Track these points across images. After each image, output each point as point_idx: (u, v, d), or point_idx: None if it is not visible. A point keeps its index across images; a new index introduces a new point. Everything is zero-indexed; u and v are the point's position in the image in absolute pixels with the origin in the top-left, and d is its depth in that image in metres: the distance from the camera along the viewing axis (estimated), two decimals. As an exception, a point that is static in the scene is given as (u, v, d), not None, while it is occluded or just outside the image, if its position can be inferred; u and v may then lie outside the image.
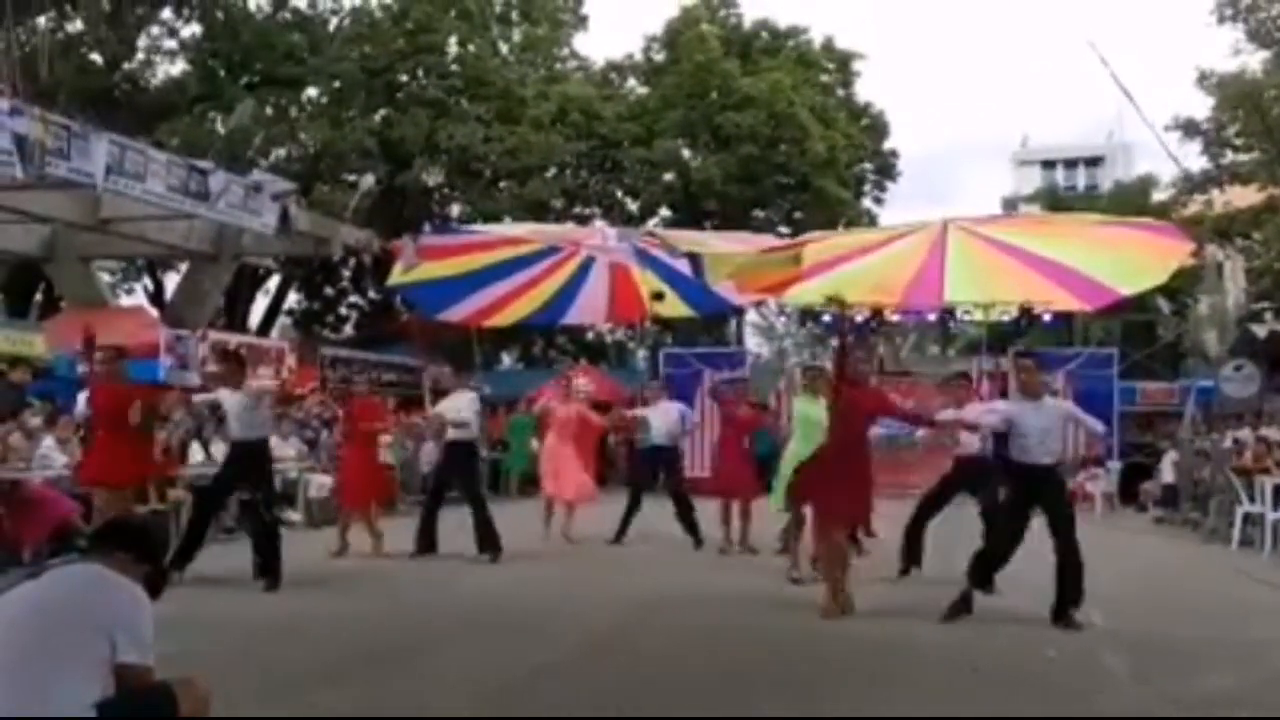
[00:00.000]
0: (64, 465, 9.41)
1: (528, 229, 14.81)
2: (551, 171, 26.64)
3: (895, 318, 12.47)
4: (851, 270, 9.28)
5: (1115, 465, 17.55)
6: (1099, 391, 16.87)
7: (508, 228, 18.15)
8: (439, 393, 11.36)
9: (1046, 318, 11.64)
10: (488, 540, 10.02)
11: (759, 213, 27.68)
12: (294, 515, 12.73)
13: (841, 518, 7.56)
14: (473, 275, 12.37)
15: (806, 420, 8.84)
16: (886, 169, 30.30)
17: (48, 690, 2.77)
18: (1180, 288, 25.33)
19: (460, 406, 10.51)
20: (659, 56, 29.04)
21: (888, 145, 30.23)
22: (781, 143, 26.68)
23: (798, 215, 27.27)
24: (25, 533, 8.66)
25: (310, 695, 5.14)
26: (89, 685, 2.83)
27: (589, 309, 13.36)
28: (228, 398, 8.71)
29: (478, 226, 17.35)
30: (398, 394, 17.37)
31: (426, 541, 10.26)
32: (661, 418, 11.74)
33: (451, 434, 10.53)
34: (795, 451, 8.75)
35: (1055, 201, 33.63)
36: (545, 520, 11.50)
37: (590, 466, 12.07)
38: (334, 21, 26.70)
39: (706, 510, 11.04)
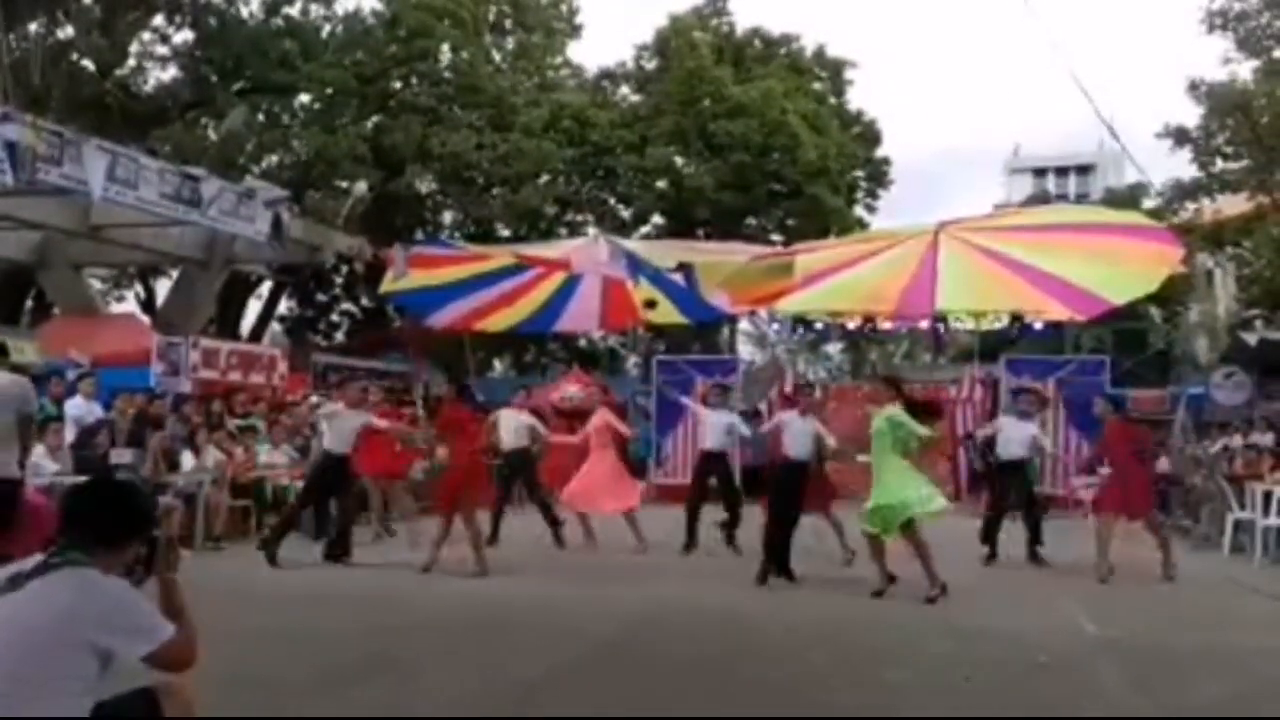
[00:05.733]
0: (54, 473, 9.37)
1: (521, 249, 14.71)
2: (544, 179, 26.61)
3: (888, 325, 12.50)
4: (845, 280, 9.34)
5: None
6: (1091, 399, 16.79)
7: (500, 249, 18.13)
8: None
9: (1038, 326, 11.69)
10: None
11: (751, 220, 27.67)
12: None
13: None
14: (463, 283, 12.42)
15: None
16: (878, 177, 30.31)
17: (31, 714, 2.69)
18: (1171, 295, 25.38)
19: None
20: (650, 64, 29.07)
21: (880, 153, 30.26)
22: (773, 150, 26.68)
23: (790, 223, 27.25)
24: (17, 543, 8.60)
25: (297, 706, 5.12)
26: (73, 707, 2.76)
27: (581, 316, 13.38)
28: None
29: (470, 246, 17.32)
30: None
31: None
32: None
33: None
34: None
35: (1046, 209, 33.67)
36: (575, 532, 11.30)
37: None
38: (326, 28, 26.66)
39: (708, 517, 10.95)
